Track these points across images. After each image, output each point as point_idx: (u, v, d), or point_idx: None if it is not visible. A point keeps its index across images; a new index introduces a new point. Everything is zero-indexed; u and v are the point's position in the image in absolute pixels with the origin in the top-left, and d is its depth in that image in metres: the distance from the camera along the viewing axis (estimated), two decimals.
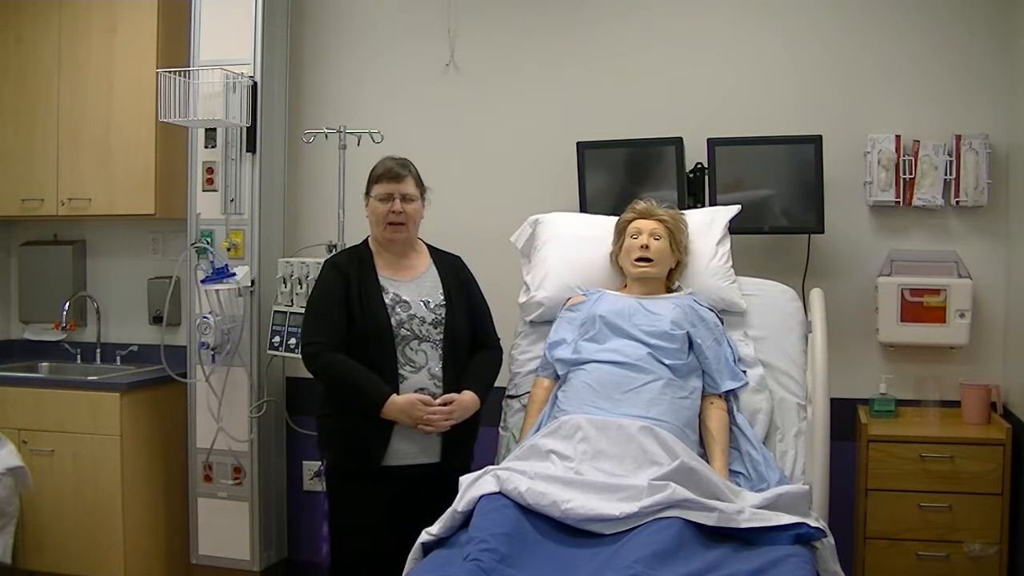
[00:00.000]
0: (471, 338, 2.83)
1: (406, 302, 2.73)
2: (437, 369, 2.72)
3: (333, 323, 2.70)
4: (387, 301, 2.72)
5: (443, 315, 2.76)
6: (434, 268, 2.85)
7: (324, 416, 2.80)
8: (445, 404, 2.67)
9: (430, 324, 2.73)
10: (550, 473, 2.26)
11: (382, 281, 2.75)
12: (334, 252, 2.91)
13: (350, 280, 2.73)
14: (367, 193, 2.81)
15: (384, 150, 3.46)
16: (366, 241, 2.88)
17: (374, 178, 2.79)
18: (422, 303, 2.75)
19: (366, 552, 2.70)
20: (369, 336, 2.67)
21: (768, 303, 2.94)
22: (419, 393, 2.66)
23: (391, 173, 2.76)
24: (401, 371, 2.68)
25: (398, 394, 2.65)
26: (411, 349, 2.70)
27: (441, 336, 2.74)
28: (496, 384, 2.88)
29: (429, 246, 2.93)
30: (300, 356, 2.79)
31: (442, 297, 2.79)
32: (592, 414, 2.45)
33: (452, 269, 2.88)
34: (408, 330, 2.70)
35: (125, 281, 4.21)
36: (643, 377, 2.55)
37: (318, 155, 3.81)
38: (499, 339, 2.93)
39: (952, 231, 3.35)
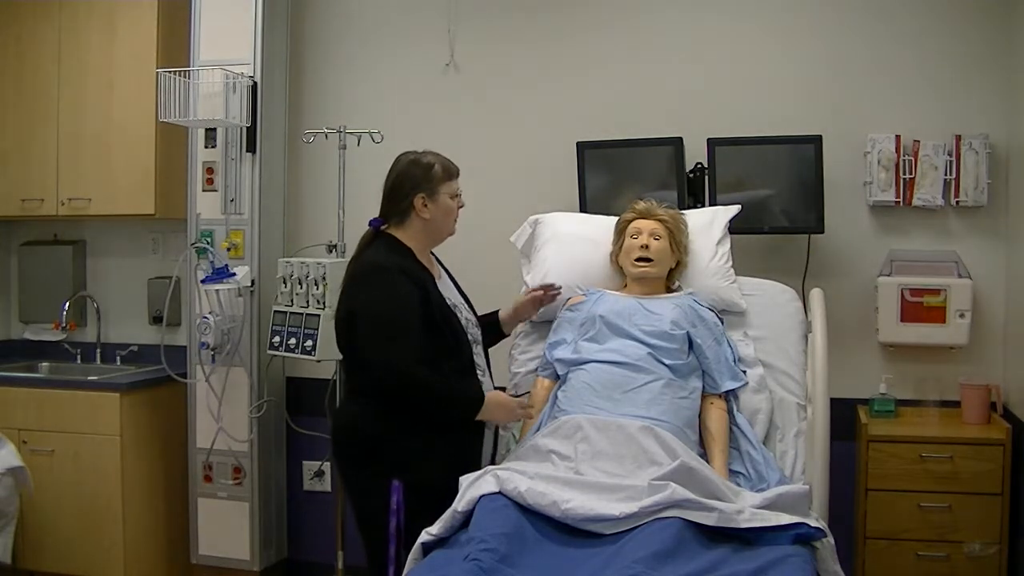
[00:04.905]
0: None
1: (458, 306, 2.66)
2: (488, 371, 2.72)
3: (417, 338, 2.47)
4: (450, 306, 2.60)
5: (476, 318, 2.74)
6: (443, 270, 2.81)
7: (396, 434, 2.49)
8: None
9: (475, 327, 2.70)
10: (550, 473, 2.27)
11: (438, 285, 2.62)
12: (391, 259, 2.54)
13: (427, 288, 2.53)
14: (433, 192, 2.56)
15: (384, 150, 3.46)
16: (397, 241, 2.59)
17: (448, 175, 2.59)
18: (463, 306, 2.71)
19: None
20: (452, 346, 2.55)
21: (768, 303, 2.94)
22: None
23: (457, 171, 2.64)
24: (478, 376, 2.64)
25: None
26: (475, 354, 2.66)
27: (482, 338, 2.73)
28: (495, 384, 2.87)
29: None
30: (380, 375, 2.46)
31: (464, 300, 2.75)
32: (592, 414, 2.46)
33: (446, 269, 2.84)
34: (471, 335, 2.65)
35: (125, 281, 4.21)
36: (643, 377, 2.55)
37: (318, 155, 3.81)
38: None
39: (952, 231, 3.35)
